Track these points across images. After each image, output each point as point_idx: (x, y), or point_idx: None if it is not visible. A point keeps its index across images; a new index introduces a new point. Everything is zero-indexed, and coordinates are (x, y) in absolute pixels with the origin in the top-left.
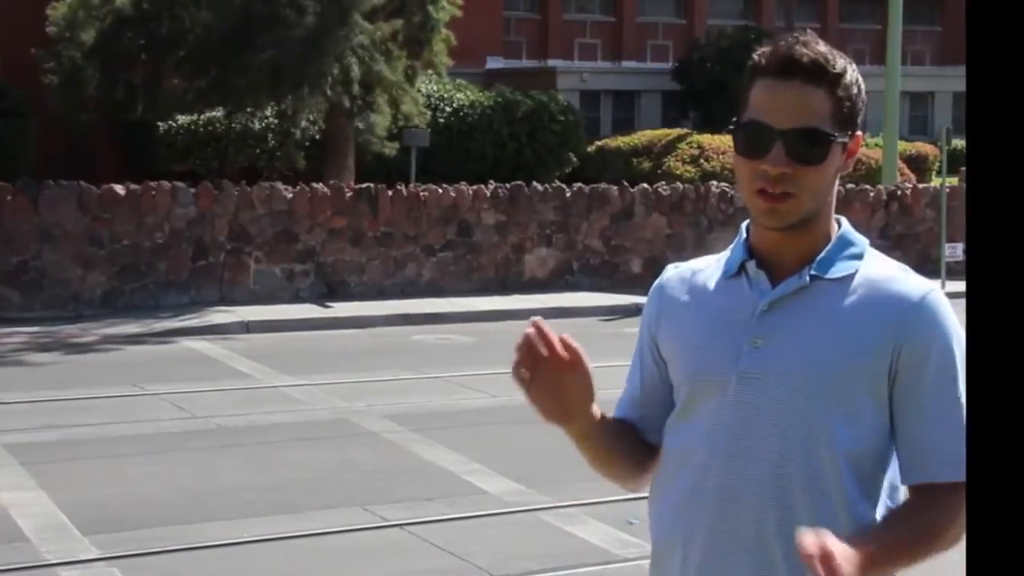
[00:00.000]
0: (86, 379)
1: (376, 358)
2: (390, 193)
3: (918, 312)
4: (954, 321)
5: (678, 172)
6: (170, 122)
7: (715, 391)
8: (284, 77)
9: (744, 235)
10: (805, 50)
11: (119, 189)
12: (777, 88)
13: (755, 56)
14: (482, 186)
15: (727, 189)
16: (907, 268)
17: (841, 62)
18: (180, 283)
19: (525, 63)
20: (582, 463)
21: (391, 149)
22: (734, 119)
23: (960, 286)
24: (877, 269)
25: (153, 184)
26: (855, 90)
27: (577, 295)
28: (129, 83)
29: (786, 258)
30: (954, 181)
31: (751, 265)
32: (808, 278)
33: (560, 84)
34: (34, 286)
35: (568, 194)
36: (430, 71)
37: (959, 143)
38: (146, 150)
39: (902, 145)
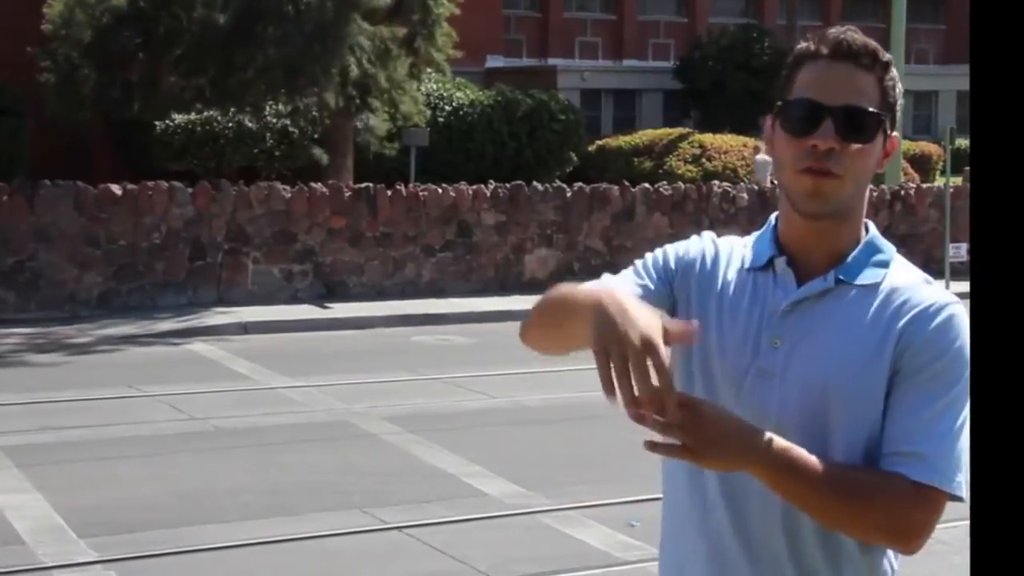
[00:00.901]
0: (82, 380)
1: (375, 359)
2: (389, 193)
3: (931, 318)
4: (964, 338)
5: (680, 172)
6: (167, 121)
7: (732, 386)
8: (284, 76)
9: (773, 225)
10: (857, 36)
11: (116, 189)
12: (828, 68)
13: (802, 44)
14: (482, 186)
15: (729, 189)
16: (931, 279)
17: (889, 55)
18: (177, 284)
19: (525, 62)
20: (582, 465)
21: (391, 149)
22: (777, 102)
23: (964, 286)
24: (903, 279)
25: (150, 184)
26: (899, 87)
27: None
28: (126, 82)
29: (814, 255)
30: (958, 181)
31: (780, 262)
32: (833, 281)
33: (561, 83)
34: (30, 287)
35: (569, 194)
36: (430, 70)
37: (963, 142)
38: (143, 149)
39: (906, 144)
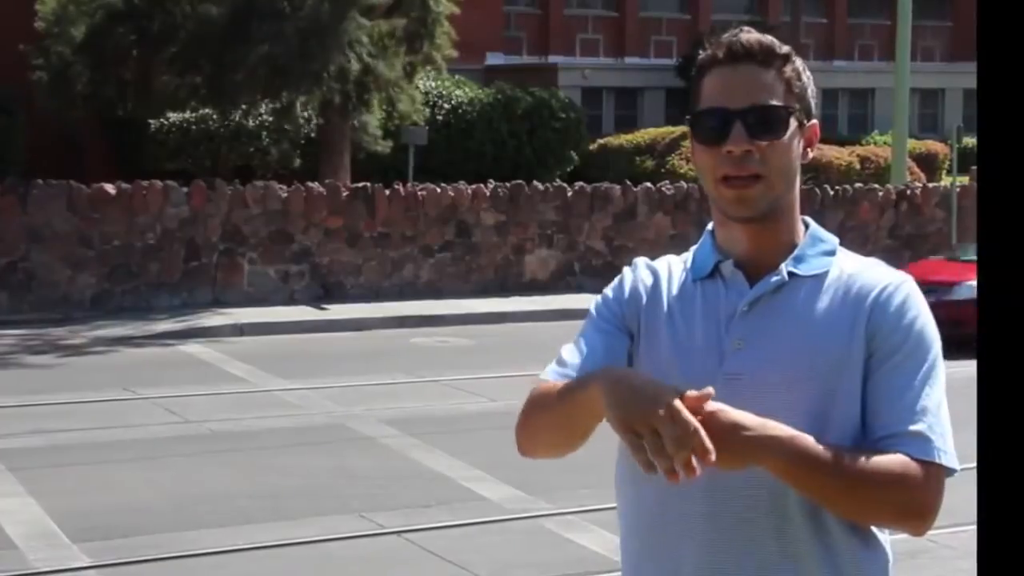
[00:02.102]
0: (76, 383)
1: (373, 361)
2: (387, 192)
3: (891, 299)
4: (924, 310)
5: (682, 171)
6: (162, 120)
7: None
8: (280, 73)
9: (710, 237)
10: (751, 36)
11: (109, 188)
12: (729, 74)
13: (700, 54)
14: (481, 185)
15: None
16: (879, 261)
17: (787, 47)
18: (172, 285)
19: (525, 59)
20: (583, 469)
21: (385, 147)
22: (687, 115)
23: None
24: (851, 264)
25: (144, 183)
26: (804, 75)
27: (579, 297)
28: (120, 79)
29: (759, 257)
30: (965, 180)
31: (727, 265)
32: (787, 275)
33: (561, 81)
34: (22, 288)
35: (569, 193)
36: (429, 68)
37: (970, 141)
38: (137, 148)
39: (911, 143)
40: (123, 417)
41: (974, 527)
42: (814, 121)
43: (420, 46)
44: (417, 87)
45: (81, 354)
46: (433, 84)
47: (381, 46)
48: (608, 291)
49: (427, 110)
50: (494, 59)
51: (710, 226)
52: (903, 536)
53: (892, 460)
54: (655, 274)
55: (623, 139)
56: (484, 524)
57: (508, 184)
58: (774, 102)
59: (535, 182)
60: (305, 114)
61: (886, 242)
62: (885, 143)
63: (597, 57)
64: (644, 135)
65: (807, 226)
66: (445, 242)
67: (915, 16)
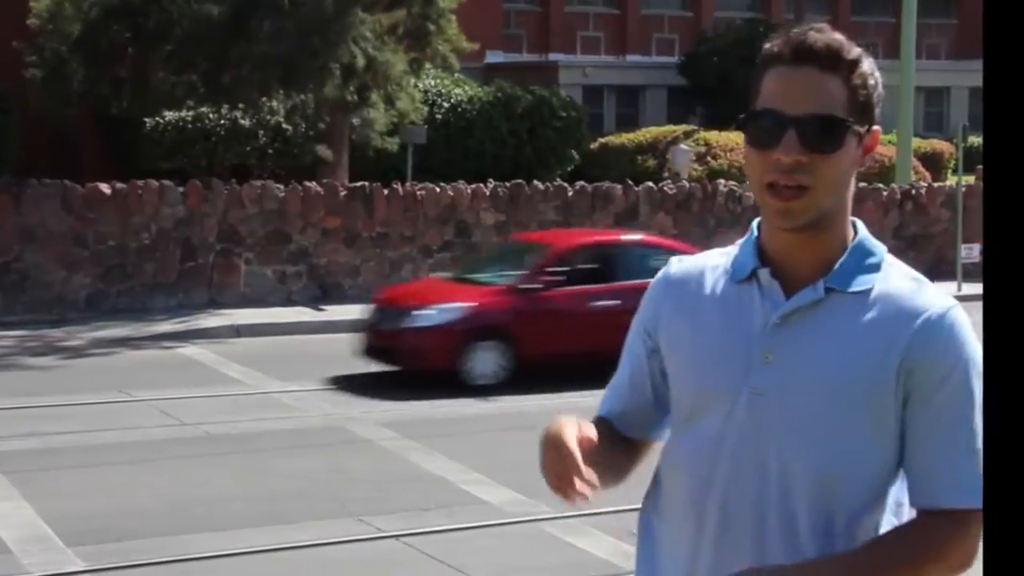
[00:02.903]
0: (70, 385)
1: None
2: (385, 192)
3: (935, 330)
4: (973, 341)
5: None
6: (157, 118)
7: (722, 404)
8: (286, 71)
9: (755, 234)
10: (819, 36)
11: (104, 188)
12: (790, 75)
13: (767, 45)
14: (481, 185)
15: (735, 188)
16: (923, 279)
17: (857, 50)
18: (168, 285)
19: (526, 57)
20: None
21: (392, 145)
22: (744, 112)
23: (977, 289)
24: (895, 283)
25: (140, 183)
26: (872, 80)
27: None
28: (115, 77)
29: (800, 264)
30: (971, 180)
31: (764, 273)
32: (824, 291)
33: (562, 79)
34: (16, 288)
35: (570, 193)
36: (429, 66)
37: (976, 140)
38: (133, 147)
39: (917, 142)
40: (118, 419)
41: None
42: (876, 128)
43: (425, 42)
44: (416, 85)
45: (75, 356)
46: (432, 83)
47: (383, 41)
48: (643, 299)
49: (426, 109)
50: (494, 57)
51: (755, 224)
52: None
53: (920, 530)
54: (686, 277)
55: (624, 138)
56: (483, 528)
57: (508, 184)
58: (835, 113)
59: (535, 181)
60: (308, 111)
61: (891, 243)
62: (890, 142)
63: (598, 55)
64: (646, 134)
65: (855, 231)
66: (444, 242)
67: (920, 13)
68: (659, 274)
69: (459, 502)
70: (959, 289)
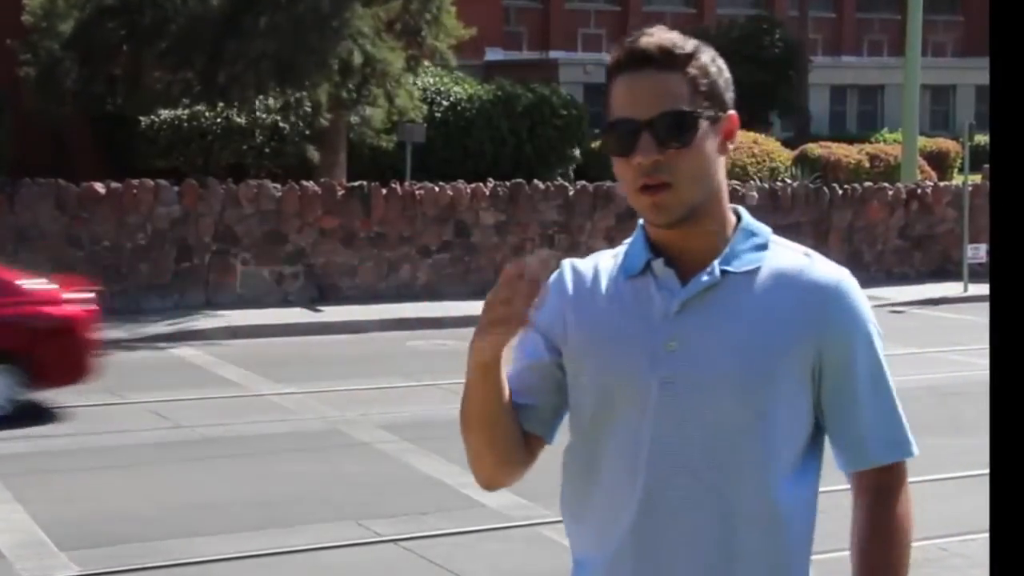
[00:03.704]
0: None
1: (369, 365)
2: (384, 191)
3: (837, 303)
4: (867, 305)
5: None
6: (153, 117)
7: (634, 400)
8: (284, 67)
9: (643, 231)
10: (650, 39)
11: (99, 187)
12: (632, 81)
13: (608, 57)
14: (480, 184)
15: (738, 187)
16: (812, 252)
17: (692, 43)
18: (163, 286)
19: (526, 55)
20: None
21: (388, 143)
22: (599, 129)
23: (983, 289)
24: (784, 258)
25: (135, 182)
26: (713, 68)
27: None
28: (109, 75)
29: (690, 254)
30: (977, 179)
31: (658, 263)
32: (719, 273)
33: (563, 77)
34: None
35: (571, 192)
36: (427, 63)
37: (982, 139)
38: (127, 146)
39: (922, 141)
40: (112, 422)
41: (986, 535)
42: (731, 112)
43: (422, 38)
44: (415, 83)
45: None
46: (431, 80)
47: (381, 38)
48: (537, 301)
49: (425, 107)
50: (493, 55)
51: (642, 221)
52: (915, 544)
53: (889, 493)
54: (579, 275)
55: None
56: (483, 532)
57: (508, 183)
58: (679, 107)
59: (535, 181)
60: (303, 111)
61: (896, 242)
62: (895, 141)
63: (599, 52)
64: None
65: (739, 217)
66: (443, 242)
67: (926, 10)
68: (552, 276)
69: (458, 505)
70: (965, 290)
